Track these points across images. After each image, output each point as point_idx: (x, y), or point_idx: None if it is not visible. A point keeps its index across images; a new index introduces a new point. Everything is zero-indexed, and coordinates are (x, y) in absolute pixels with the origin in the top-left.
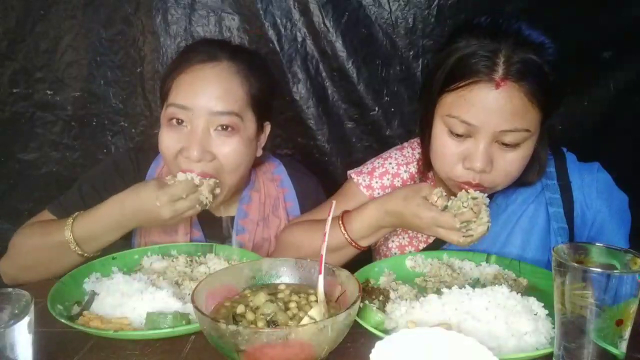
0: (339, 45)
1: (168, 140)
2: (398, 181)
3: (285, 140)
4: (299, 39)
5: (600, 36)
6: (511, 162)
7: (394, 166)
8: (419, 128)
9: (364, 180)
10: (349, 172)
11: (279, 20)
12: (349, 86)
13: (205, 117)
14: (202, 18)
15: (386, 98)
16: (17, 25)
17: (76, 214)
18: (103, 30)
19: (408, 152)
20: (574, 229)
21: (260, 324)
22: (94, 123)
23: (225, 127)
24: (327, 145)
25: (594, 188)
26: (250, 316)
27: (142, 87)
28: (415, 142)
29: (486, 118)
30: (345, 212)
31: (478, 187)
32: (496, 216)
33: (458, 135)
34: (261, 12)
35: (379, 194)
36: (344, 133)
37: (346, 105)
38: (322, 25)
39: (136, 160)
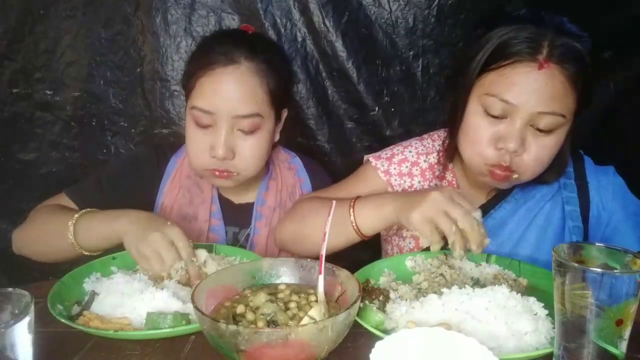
0: (339, 45)
1: (195, 140)
2: (417, 170)
3: (285, 140)
4: (299, 39)
5: (601, 36)
6: (543, 148)
7: (414, 155)
8: (449, 113)
9: (382, 165)
10: (366, 156)
11: (278, 20)
12: (349, 86)
13: (229, 120)
14: (202, 18)
15: (386, 98)
16: (16, 25)
17: (84, 210)
18: (103, 30)
19: (428, 143)
20: (588, 229)
21: (260, 324)
22: (94, 123)
23: (247, 129)
24: (327, 145)
25: (610, 190)
26: (250, 316)
27: (142, 87)
28: (435, 135)
29: (525, 98)
30: (359, 198)
31: (508, 170)
32: (513, 212)
33: (493, 117)
34: (261, 12)
35: (396, 180)
36: (344, 133)
37: (346, 105)
38: (322, 25)
39: (155, 155)
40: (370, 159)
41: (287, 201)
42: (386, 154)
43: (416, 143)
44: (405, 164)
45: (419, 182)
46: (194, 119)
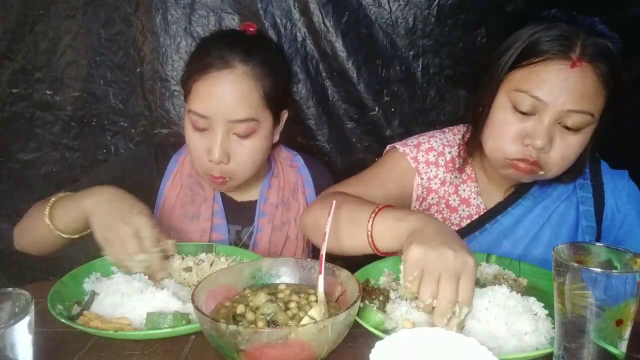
0: (339, 45)
1: (194, 142)
2: (442, 160)
3: (285, 140)
4: (299, 39)
5: None
6: (569, 147)
7: (440, 145)
8: (473, 108)
9: (411, 152)
10: (389, 145)
11: (278, 20)
12: (349, 86)
13: (224, 124)
14: (202, 18)
15: (386, 98)
16: (16, 25)
17: (58, 195)
18: (103, 30)
19: (450, 137)
20: (601, 230)
21: (261, 324)
22: (94, 123)
23: (242, 134)
24: (327, 145)
25: (625, 193)
26: (250, 316)
27: (142, 87)
28: (455, 129)
29: (556, 95)
30: (383, 209)
31: (535, 165)
32: (529, 210)
33: (522, 113)
34: (261, 12)
35: (423, 168)
36: (344, 133)
37: (346, 105)
38: (322, 25)
39: (155, 154)
40: (397, 145)
41: (290, 199)
42: (412, 142)
43: (440, 135)
44: (432, 152)
45: (444, 172)
46: (191, 122)
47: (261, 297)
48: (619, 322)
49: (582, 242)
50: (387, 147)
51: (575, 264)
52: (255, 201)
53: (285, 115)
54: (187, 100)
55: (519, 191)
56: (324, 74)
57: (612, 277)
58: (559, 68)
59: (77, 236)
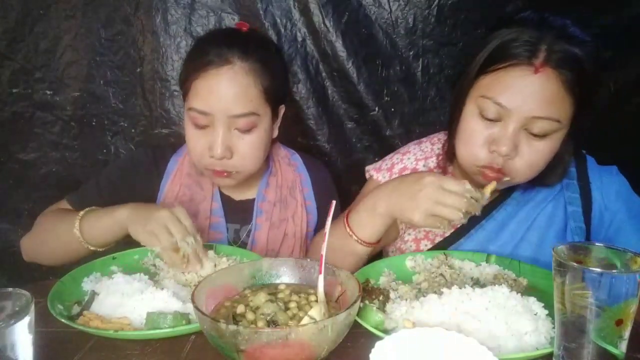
0: (339, 45)
1: (194, 140)
2: None
3: (285, 140)
4: (299, 39)
5: (600, 36)
6: (536, 153)
7: (412, 161)
8: (449, 114)
9: (384, 177)
10: (367, 168)
11: (278, 20)
12: (349, 86)
13: (225, 120)
14: (202, 18)
15: (386, 98)
16: (16, 25)
17: (86, 209)
18: (103, 30)
19: (427, 147)
20: (590, 230)
21: (261, 323)
22: (94, 123)
23: (244, 128)
24: (327, 145)
25: (613, 190)
26: (250, 316)
27: (142, 87)
28: (435, 137)
29: (520, 101)
30: (350, 210)
31: (500, 172)
32: (514, 214)
33: (488, 119)
34: (261, 12)
35: None
36: (344, 133)
37: (346, 105)
38: (322, 25)
39: (153, 156)
40: (372, 172)
41: (288, 197)
42: (386, 164)
43: (414, 148)
44: (405, 172)
45: None
46: (192, 120)
47: (261, 297)
48: (619, 322)
49: (582, 242)
50: (366, 172)
51: (576, 264)
52: (254, 200)
53: (282, 110)
54: (187, 98)
55: (502, 196)
56: (324, 74)
57: (612, 277)
58: (522, 74)
59: (102, 249)
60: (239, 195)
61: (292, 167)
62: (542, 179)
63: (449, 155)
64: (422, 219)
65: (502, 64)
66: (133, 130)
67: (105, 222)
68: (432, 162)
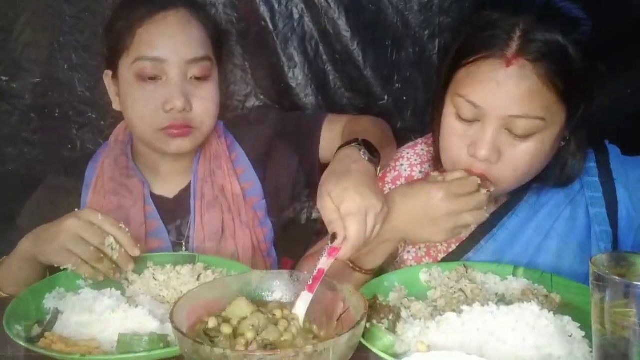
0: (342, 23)
1: (143, 97)
2: None
3: None
4: (296, 16)
5: (601, 36)
6: (521, 156)
7: (406, 168)
8: (432, 113)
9: None
10: None
11: None
12: (353, 71)
13: (181, 66)
14: None
15: (397, 85)
16: None
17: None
18: (67, 6)
19: (422, 150)
20: (618, 233)
21: (250, 334)
22: (57, 114)
23: (199, 75)
24: None
25: None
26: (226, 329)
27: None
28: (431, 138)
29: (493, 99)
30: None
31: (482, 178)
32: (528, 220)
33: (466, 120)
34: None
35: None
36: None
37: (350, 93)
38: None
39: (65, 173)
40: None
41: (215, 169)
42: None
43: (408, 153)
44: (400, 181)
45: None
46: (139, 74)
47: (242, 305)
48: None
49: (625, 252)
50: None
51: (617, 278)
52: (187, 188)
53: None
54: (128, 52)
55: (513, 201)
56: (324, 57)
57: None
58: (494, 68)
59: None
60: (172, 189)
61: (214, 134)
62: (554, 181)
63: (436, 162)
64: (445, 237)
65: (473, 56)
66: (102, 123)
67: (13, 266)
68: (429, 167)
